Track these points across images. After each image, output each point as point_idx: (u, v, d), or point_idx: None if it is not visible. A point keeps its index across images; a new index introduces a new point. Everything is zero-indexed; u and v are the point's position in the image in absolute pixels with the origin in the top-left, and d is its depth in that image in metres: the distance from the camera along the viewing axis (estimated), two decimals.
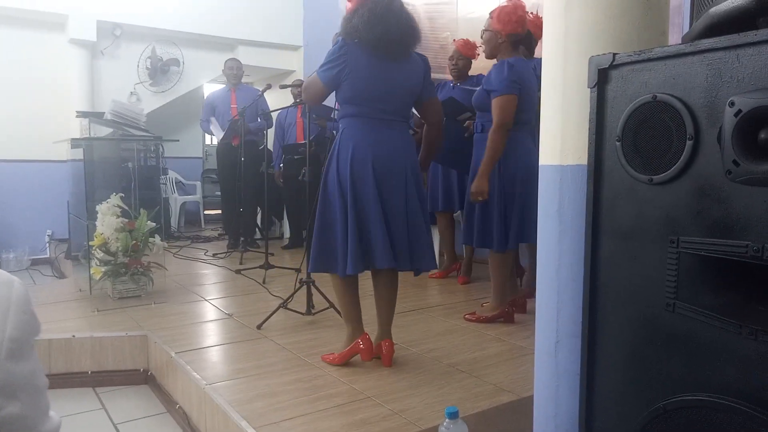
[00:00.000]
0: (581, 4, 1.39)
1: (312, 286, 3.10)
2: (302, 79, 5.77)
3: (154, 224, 3.63)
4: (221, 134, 5.31)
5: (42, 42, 5.85)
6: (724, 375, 0.99)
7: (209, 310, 3.37)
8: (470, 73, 4.09)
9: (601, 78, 1.20)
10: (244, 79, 5.87)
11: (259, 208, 5.88)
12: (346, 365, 2.40)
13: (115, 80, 6.18)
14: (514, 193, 2.91)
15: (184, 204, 7.16)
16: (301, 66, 7.03)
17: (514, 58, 2.87)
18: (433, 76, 2.51)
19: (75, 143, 4.22)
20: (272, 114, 5.48)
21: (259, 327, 2.94)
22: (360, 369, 2.38)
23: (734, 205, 0.97)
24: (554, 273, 1.47)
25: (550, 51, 1.48)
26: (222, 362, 2.55)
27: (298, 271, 3.58)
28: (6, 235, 5.74)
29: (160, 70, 6.36)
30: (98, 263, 3.50)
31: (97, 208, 3.56)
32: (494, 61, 3.00)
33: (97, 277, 3.51)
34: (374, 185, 2.25)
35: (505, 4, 2.91)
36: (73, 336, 2.84)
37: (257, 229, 5.92)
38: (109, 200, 3.55)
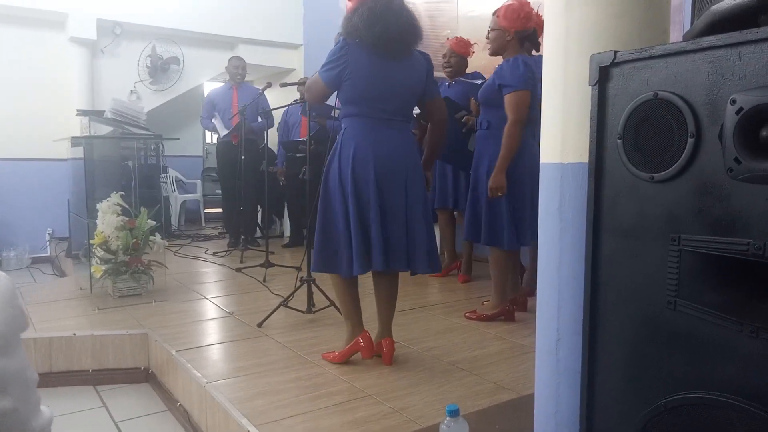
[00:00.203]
0: (582, 2, 1.39)
1: (312, 285, 3.10)
2: (307, 76, 5.77)
3: (155, 222, 3.64)
4: (225, 131, 5.29)
5: (42, 40, 5.85)
6: (725, 373, 0.99)
7: (210, 309, 3.37)
8: (467, 70, 4.09)
9: (603, 76, 1.19)
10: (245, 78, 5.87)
11: (259, 207, 5.88)
12: (347, 363, 2.40)
13: (115, 79, 6.18)
14: (525, 191, 2.90)
15: (184, 202, 7.16)
16: (301, 64, 7.03)
17: (524, 55, 2.87)
18: (434, 74, 2.50)
19: (75, 142, 4.22)
20: (274, 112, 5.47)
21: (259, 325, 2.94)
22: (360, 367, 2.38)
23: (735, 202, 0.97)
24: (555, 271, 1.47)
25: (551, 49, 1.48)
26: (222, 360, 2.56)
27: (298, 269, 3.58)
28: (6, 234, 5.75)
29: (160, 69, 6.36)
30: (99, 261, 3.51)
31: (98, 206, 3.56)
32: (493, 59, 3.00)
33: (98, 275, 3.51)
34: (375, 185, 2.25)
35: (511, 2, 2.91)
36: (74, 334, 2.84)
37: (257, 228, 5.92)
38: (109, 199, 3.55)
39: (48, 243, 5.97)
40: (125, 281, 3.55)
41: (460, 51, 3.97)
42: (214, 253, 5.17)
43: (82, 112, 4.71)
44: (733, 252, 0.97)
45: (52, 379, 2.76)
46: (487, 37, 2.99)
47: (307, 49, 6.95)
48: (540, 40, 3.30)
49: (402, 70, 2.30)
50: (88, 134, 4.61)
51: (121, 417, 2.47)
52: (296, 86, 4.78)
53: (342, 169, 2.27)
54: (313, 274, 2.99)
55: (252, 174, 5.26)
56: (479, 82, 3.51)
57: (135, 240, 3.51)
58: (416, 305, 3.37)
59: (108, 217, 3.48)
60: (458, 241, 4.16)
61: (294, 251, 5.25)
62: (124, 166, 4.69)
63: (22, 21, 5.72)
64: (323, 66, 2.28)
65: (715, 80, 1.00)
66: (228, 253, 5.17)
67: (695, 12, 1.15)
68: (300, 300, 3.12)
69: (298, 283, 3.12)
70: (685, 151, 1.04)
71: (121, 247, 3.47)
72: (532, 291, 3.02)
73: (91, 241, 3.53)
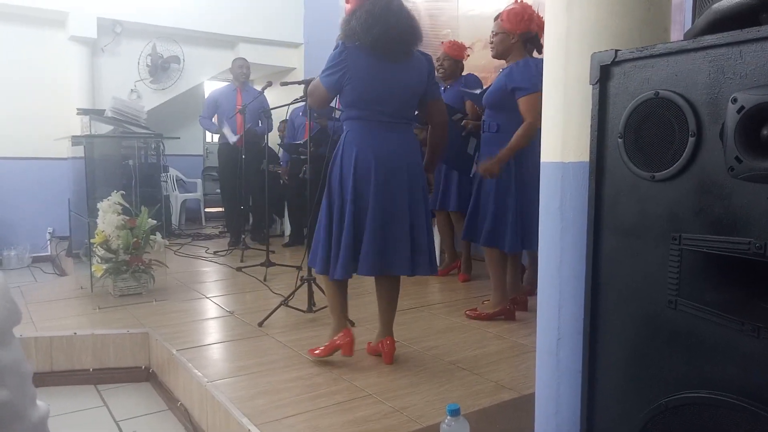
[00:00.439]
0: (583, 2, 1.39)
1: (313, 284, 3.10)
2: (312, 77, 5.76)
3: (155, 222, 3.64)
4: (234, 138, 5.23)
5: (42, 39, 5.84)
6: (725, 372, 0.99)
7: (210, 308, 3.37)
8: (463, 72, 4.08)
9: (603, 75, 1.19)
10: None
11: None
12: (347, 363, 2.40)
13: (115, 77, 6.18)
14: (532, 193, 2.89)
15: (184, 201, 7.16)
16: (301, 63, 7.03)
17: (532, 57, 2.88)
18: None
19: (76, 141, 4.22)
20: (273, 111, 5.46)
21: (260, 324, 2.94)
22: (361, 367, 2.38)
23: (736, 201, 0.97)
24: (556, 270, 1.47)
25: (551, 49, 1.48)
26: (223, 359, 2.56)
27: (299, 268, 3.58)
28: (7, 233, 5.75)
29: (160, 68, 6.35)
30: (99, 261, 3.51)
31: (98, 205, 3.56)
32: (497, 62, 2.99)
33: (98, 274, 3.51)
34: (377, 187, 2.25)
35: (513, 5, 2.92)
36: (75, 333, 2.84)
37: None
38: (110, 198, 3.55)
39: (48, 242, 5.97)
40: (126, 280, 3.55)
41: (454, 54, 3.94)
42: (215, 253, 5.17)
43: (82, 111, 4.71)
44: (734, 251, 0.96)
45: (52, 378, 2.76)
46: (491, 42, 2.99)
47: (308, 48, 6.95)
48: (541, 42, 3.31)
49: (402, 72, 2.29)
50: (88, 133, 4.61)
51: (121, 416, 2.47)
52: (302, 86, 4.75)
53: (344, 172, 2.27)
54: (314, 273, 2.99)
55: (253, 173, 5.25)
56: (478, 91, 3.48)
57: (135, 239, 3.51)
58: (416, 304, 3.37)
59: (108, 216, 3.48)
60: (457, 241, 4.16)
61: (294, 250, 5.25)
62: (124, 165, 4.69)
63: (22, 20, 5.72)
64: (323, 71, 2.28)
65: (716, 79, 0.99)
66: (228, 252, 5.17)
67: (696, 10, 1.15)
68: (300, 299, 3.12)
69: (299, 283, 3.12)
70: (686, 150, 1.03)
71: (121, 246, 3.47)
72: (532, 290, 3.02)
73: (92, 240, 3.53)
